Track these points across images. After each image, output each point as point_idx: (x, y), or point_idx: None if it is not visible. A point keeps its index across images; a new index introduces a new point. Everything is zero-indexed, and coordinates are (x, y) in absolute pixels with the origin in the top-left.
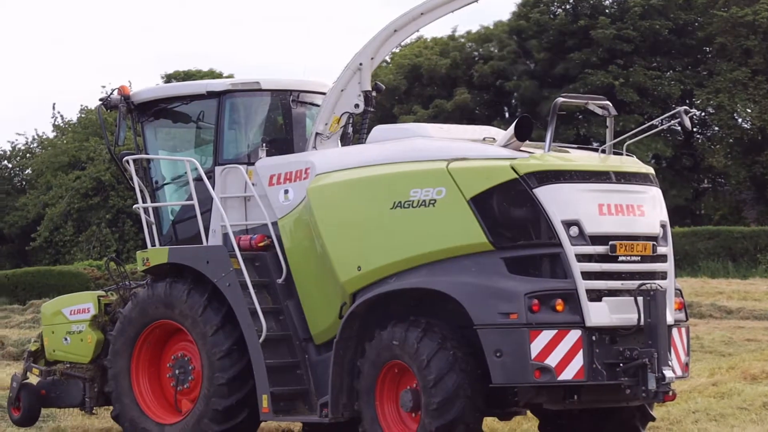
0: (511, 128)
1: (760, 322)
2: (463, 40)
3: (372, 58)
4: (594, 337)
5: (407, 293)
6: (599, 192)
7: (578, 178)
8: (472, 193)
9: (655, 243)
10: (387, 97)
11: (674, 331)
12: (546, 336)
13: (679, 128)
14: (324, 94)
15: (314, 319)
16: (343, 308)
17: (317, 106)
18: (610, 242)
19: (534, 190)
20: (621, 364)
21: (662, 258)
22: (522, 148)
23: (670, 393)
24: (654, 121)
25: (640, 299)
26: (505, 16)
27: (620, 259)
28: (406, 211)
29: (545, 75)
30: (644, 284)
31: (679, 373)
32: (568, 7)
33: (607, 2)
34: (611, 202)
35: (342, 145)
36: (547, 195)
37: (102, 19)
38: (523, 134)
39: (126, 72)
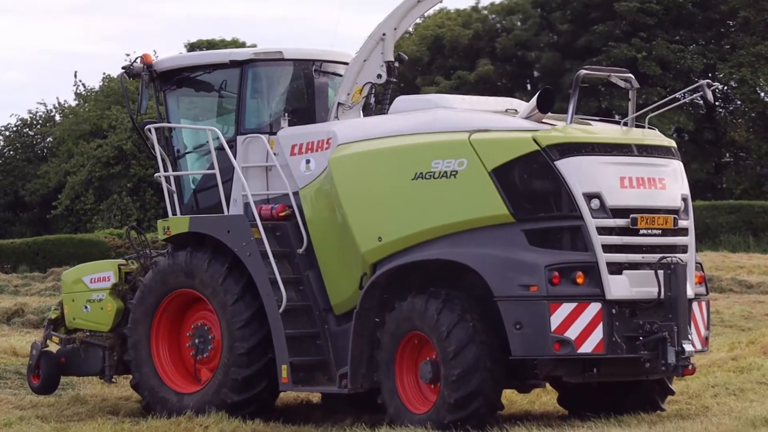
0: (534, 100)
1: None
2: (486, 11)
3: (395, 29)
4: (614, 311)
5: (428, 264)
6: (621, 165)
7: (600, 150)
8: (493, 164)
9: (676, 216)
10: (409, 67)
11: (694, 305)
12: (566, 309)
13: (701, 102)
14: (347, 64)
15: (334, 290)
16: (363, 279)
17: (340, 76)
18: (631, 215)
19: (555, 162)
20: (641, 338)
21: (683, 231)
22: (544, 120)
23: (690, 367)
24: (676, 94)
25: (660, 273)
26: None
27: (641, 232)
28: (427, 182)
29: (568, 47)
30: (665, 257)
31: (698, 347)
32: None
33: None
34: (633, 174)
35: (364, 116)
36: (569, 167)
37: None
38: (545, 106)
39: (150, 40)
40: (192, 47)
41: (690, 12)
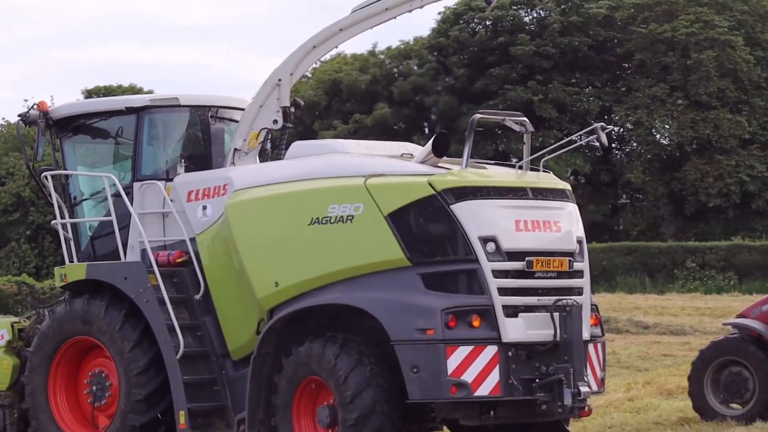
0: (429, 144)
1: (676, 338)
2: (382, 56)
3: (291, 74)
4: (510, 353)
5: (325, 309)
6: (516, 208)
7: (495, 194)
8: (389, 209)
9: (571, 259)
10: (307, 112)
11: (590, 346)
12: (462, 352)
13: (597, 144)
14: (242, 109)
15: (232, 335)
16: (260, 324)
17: (236, 121)
18: (527, 258)
19: (451, 206)
20: (537, 380)
21: (578, 274)
22: (440, 165)
23: (586, 408)
24: (572, 137)
25: (556, 315)
26: (425, 32)
27: (537, 275)
28: (324, 227)
29: (464, 91)
30: (560, 300)
31: (595, 388)
32: (488, 23)
33: (526, 19)
34: (528, 218)
35: (260, 161)
36: (464, 211)
37: (23, 32)
38: (440, 150)
39: (47, 86)
40: (90, 93)
41: (586, 55)
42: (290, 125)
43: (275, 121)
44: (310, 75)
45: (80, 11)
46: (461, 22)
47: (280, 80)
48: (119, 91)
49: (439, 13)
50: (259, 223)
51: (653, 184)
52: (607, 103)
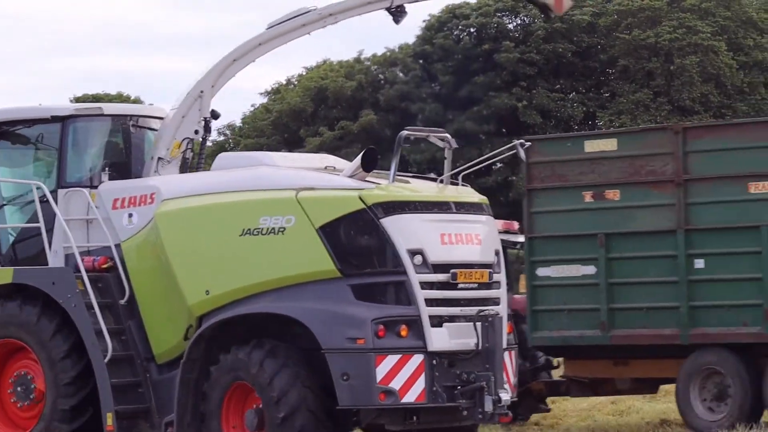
0: (358, 159)
1: None
2: (368, 63)
3: (212, 86)
4: (435, 362)
5: (255, 317)
6: (441, 222)
7: (422, 208)
8: (320, 222)
9: (491, 270)
10: (293, 119)
11: (505, 354)
12: (391, 360)
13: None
14: (161, 119)
15: (158, 340)
16: (189, 330)
17: (155, 130)
18: (451, 270)
19: (381, 220)
20: (459, 387)
21: (497, 284)
22: (367, 179)
23: (506, 415)
24: (492, 153)
25: (478, 325)
26: (411, 39)
27: (460, 286)
28: (255, 238)
29: (450, 98)
30: (483, 311)
31: (510, 394)
32: (472, 31)
33: (510, 26)
34: (452, 231)
35: (180, 170)
36: (393, 225)
37: (13, 42)
38: (369, 165)
39: (36, 95)
40: (78, 101)
41: (570, 61)
42: (209, 135)
43: (197, 132)
44: (296, 82)
45: (70, 21)
46: (445, 29)
47: (202, 92)
48: (107, 99)
49: (424, 21)
50: (190, 232)
51: None
52: (591, 109)
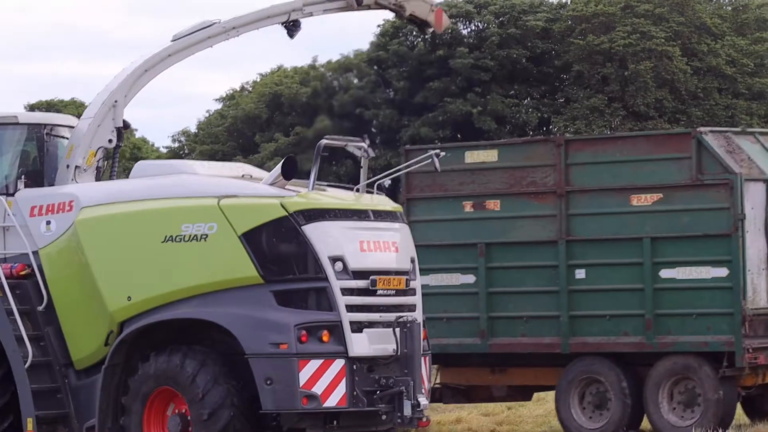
0: (278, 167)
1: None
2: (323, 69)
3: (125, 96)
4: (355, 366)
5: (178, 323)
6: (360, 229)
7: (341, 216)
8: (243, 229)
9: (407, 277)
10: (248, 125)
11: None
12: (313, 365)
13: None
14: (72, 127)
15: (76, 346)
16: (110, 336)
17: (66, 138)
18: (371, 277)
19: (302, 227)
20: (379, 392)
21: (413, 291)
22: (287, 187)
23: (424, 419)
24: (408, 164)
25: (397, 331)
26: (365, 45)
27: (379, 292)
28: (177, 244)
29: (405, 103)
30: (402, 317)
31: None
32: (426, 37)
33: (465, 32)
34: (371, 239)
35: (96, 179)
36: (314, 232)
37: None
38: (289, 174)
39: None
40: (32, 108)
41: (524, 67)
42: (121, 144)
43: (110, 141)
44: (251, 88)
45: (25, 25)
46: (400, 35)
47: (116, 102)
48: (61, 105)
49: (378, 26)
50: (111, 239)
51: None
52: (546, 114)
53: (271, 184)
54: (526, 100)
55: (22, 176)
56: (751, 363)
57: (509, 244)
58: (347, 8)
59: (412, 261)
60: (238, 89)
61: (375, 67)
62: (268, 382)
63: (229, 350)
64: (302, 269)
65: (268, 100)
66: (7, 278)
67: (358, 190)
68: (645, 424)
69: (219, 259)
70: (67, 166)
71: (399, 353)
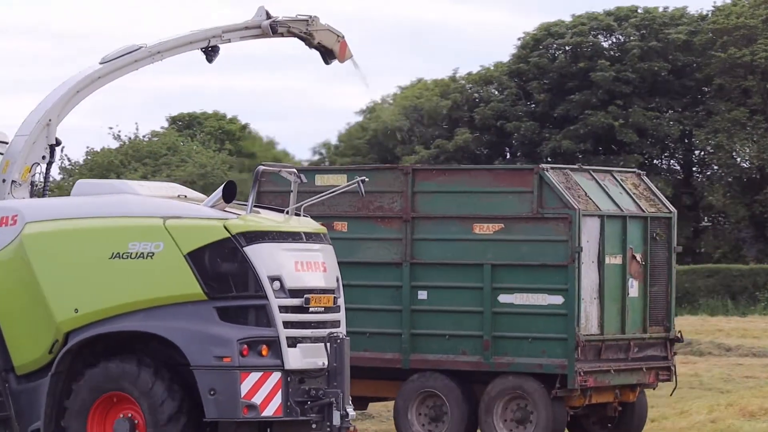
0: (219, 191)
1: (758, 360)
2: (463, 81)
3: (58, 115)
4: (289, 378)
5: (122, 335)
6: (295, 251)
7: (279, 238)
8: (188, 248)
9: (335, 295)
10: (389, 137)
11: None
12: (253, 377)
13: (677, 167)
14: (5, 143)
15: (18, 352)
16: (55, 345)
17: (0, 154)
18: (305, 295)
19: (244, 248)
20: (309, 402)
21: (338, 308)
22: (227, 209)
23: (352, 428)
24: (337, 188)
25: (328, 345)
26: (505, 57)
27: (311, 310)
28: (124, 261)
29: (546, 116)
30: (333, 333)
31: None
32: (567, 49)
33: (606, 45)
34: (303, 259)
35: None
36: (255, 252)
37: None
38: (229, 196)
39: (133, 113)
40: (174, 120)
41: (665, 79)
42: (54, 160)
43: (44, 157)
44: (391, 101)
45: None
46: (541, 47)
47: (50, 120)
48: (203, 117)
49: (519, 39)
50: (59, 254)
51: (734, 207)
52: (688, 127)
53: (212, 206)
54: (667, 113)
55: None
56: (582, 385)
57: (356, 263)
58: (263, 35)
59: (337, 280)
60: (379, 101)
61: (515, 80)
62: (212, 393)
63: (171, 362)
64: (243, 287)
65: (408, 112)
66: None
67: (288, 213)
68: None
69: (165, 276)
70: (3, 181)
71: (329, 367)
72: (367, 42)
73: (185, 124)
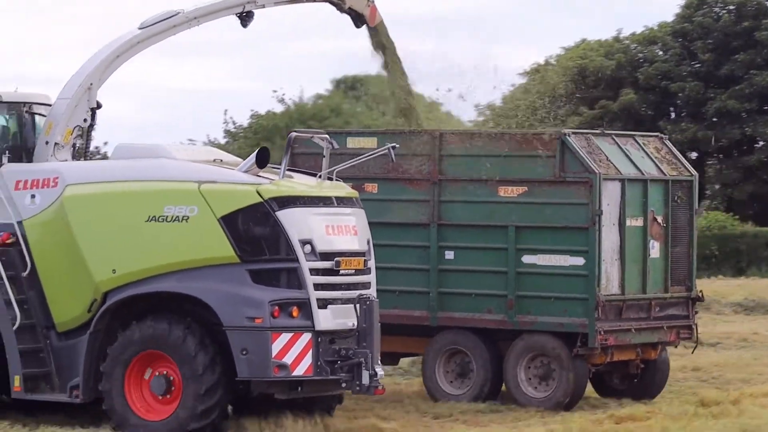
0: (252, 156)
1: None
2: (627, 41)
3: (99, 79)
4: (320, 339)
5: (157, 295)
6: (326, 215)
7: (309, 202)
8: (222, 212)
9: (365, 258)
10: (553, 99)
11: None
12: (284, 338)
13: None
14: (49, 105)
15: (59, 310)
16: (93, 304)
17: (43, 116)
18: (335, 258)
19: (276, 213)
20: (339, 362)
21: (369, 271)
22: (260, 174)
23: (380, 387)
24: (368, 154)
25: (359, 307)
26: (669, 17)
27: (341, 272)
28: (160, 224)
29: (710, 76)
30: (363, 294)
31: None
32: (732, 8)
33: None
34: (334, 223)
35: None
36: (287, 217)
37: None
38: (262, 162)
39: (297, 76)
40: (338, 83)
41: None
42: (95, 123)
43: (85, 120)
44: (555, 62)
45: None
46: (705, 6)
47: (91, 84)
48: (368, 80)
49: None
50: (98, 216)
51: None
52: None
53: (245, 171)
54: None
55: (6, 151)
56: (602, 344)
57: (385, 224)
58: (295, 1)
59: (368, 243)
60: (542, 63)
61: (680, 40)
62: (244, 353)
63: (206, 321)
64: (275, 251)
65: (573, 73)
66: None
67: (320, 177)
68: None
69: (199, 239)
70: (47, 143)
71: (359, 327)
72: (531, 1)
73: (349, 86)
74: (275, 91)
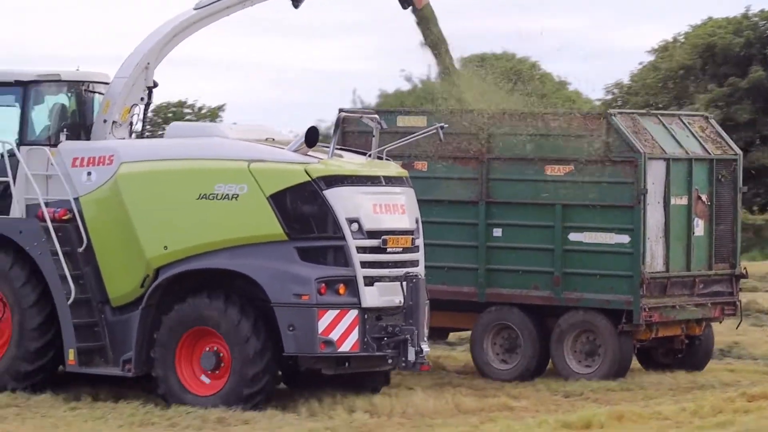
0: (302, 136)
1: None
2: (756, 18)
3: (156, 59)
4: (366, 316)
5: (208, 272)
6: (373, 194)
7: (358, 181)
8: (271, 190)
9: (413, 236)
10: (682, 77)
11: None
12: (331, 315)
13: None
14: (107, 84)
15: (113, 285)
16: (146, 279)
17: (102, 94)
18: (383, 237)
19: (324, 191)
20: (385, 339)
21: (417, 249)
22: (309, 153)
23: (426, 364)
24: (416, 134)
25: (405, 284)
26: None
27: (388, 250)
28: (210, 202)
29: None
30: (409, 272)
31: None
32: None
33: None
34: (382, 202)
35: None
36: (334, 196)
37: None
38: (311, 142)
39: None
40: (464, 61)
41: None
42: (151, 102)
43: (142, 99)
44: (683, 39)
45: None
46: None
47: (148, 64)
48: (494, 58)
49: None
50: (151, 194)
51: None
52: None
53: (295, 151)
54: None
55: (64, 129)
56: (647, 320)
57: (434, 201)
58: None
59: (417, 221)
60: (671, 40)
61: None
62: (291, 329)
63: (255, 297)
64: (322, 229)
65: (701, 50)
66: (51, 222)
67: (370, 156)
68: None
69: (248, 217)
70: (104, 121)
71: (405, 305)
72: None
73: (478, 64)
74: (403, 70)
